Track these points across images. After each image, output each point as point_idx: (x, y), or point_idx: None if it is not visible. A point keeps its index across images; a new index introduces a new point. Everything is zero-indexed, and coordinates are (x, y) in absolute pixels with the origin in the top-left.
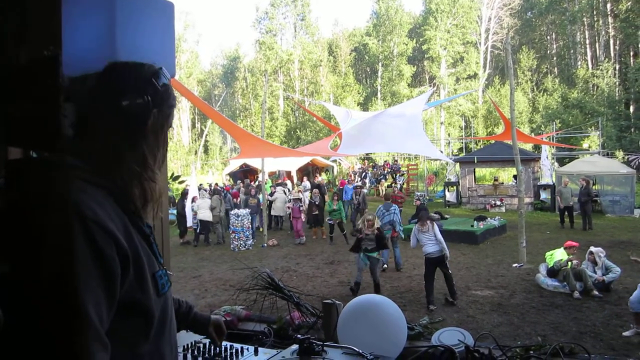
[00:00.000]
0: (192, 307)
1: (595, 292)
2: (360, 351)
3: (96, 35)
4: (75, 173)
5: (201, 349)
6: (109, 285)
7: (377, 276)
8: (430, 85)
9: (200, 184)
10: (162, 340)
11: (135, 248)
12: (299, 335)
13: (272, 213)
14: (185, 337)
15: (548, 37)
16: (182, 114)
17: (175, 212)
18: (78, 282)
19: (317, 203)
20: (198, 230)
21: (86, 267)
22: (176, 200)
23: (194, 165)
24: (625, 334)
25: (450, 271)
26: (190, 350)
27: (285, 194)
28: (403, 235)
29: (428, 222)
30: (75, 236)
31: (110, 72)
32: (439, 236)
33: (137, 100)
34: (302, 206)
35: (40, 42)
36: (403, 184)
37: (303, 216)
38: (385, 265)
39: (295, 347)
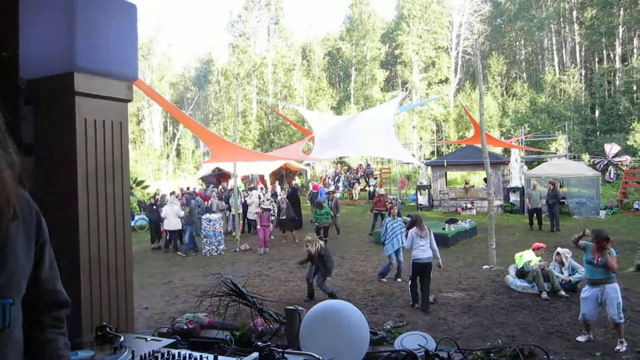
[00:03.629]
0: None
1: (562, 293)
2: (321, 358)
3: (56, 36)
4: None
5: (159, 358)
6: None
7: (327, 289)
8: (403, 90)
9: (173, 191)
10: None
11: None
12: (259, 343)
13: (248, 217)
14: (144, 346)
15: (517, 43)
16: (154, 117)
17: (144, 216)
18: None
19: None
20: (167, 238)
21: None
22: (146, 204)
23: (165, 169)
24: (579, 339)
25: (429, 283)
26: None
27: (260, 198)
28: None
29: (427, 227)
30: None
31: None
32: (434, 244)
33: None
34: (272, 215)
35: None
36: (376, 187)
37: (272, 226)
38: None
39: (255, 355)
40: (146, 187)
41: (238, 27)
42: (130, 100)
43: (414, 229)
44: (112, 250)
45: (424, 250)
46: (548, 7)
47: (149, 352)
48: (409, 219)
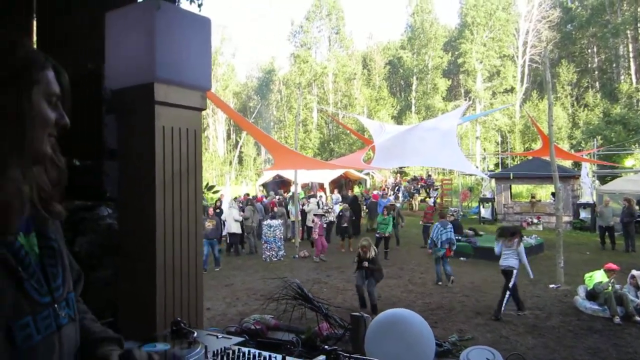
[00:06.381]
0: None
1: (637, 318)
2: None
3: (138, 49)
4: None
5: (230, 355)
6: None
7: (374, 297)
8: (466, 99)
9: (236, 197)
10: None
11: None
12: (326, 347)
13: (307, 224)
14: (215, 343)
15: (589, 51)
16: (218, 126)
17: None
18: None
19: (349, 216)
20: (228, 242)
21: None
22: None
23: (228, 175)
24: None
25: (511, 285)
26: (219, 356)
27: (319, 205)
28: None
29: (516, 240)
30: None
31: None
32: (522, 256)
33: None
34: (324, 223)
35: (86, 56)
36: (437, 198)
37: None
38: (440, 283)
39: (322, 358)
40: (217, 192)
41: (299, 37)
42: (204, 109)
43: (502, 239)
44: (184, 252)
45: (505, 258)
46: (624, 12)
47: (221, 349)
48: (471, 232)
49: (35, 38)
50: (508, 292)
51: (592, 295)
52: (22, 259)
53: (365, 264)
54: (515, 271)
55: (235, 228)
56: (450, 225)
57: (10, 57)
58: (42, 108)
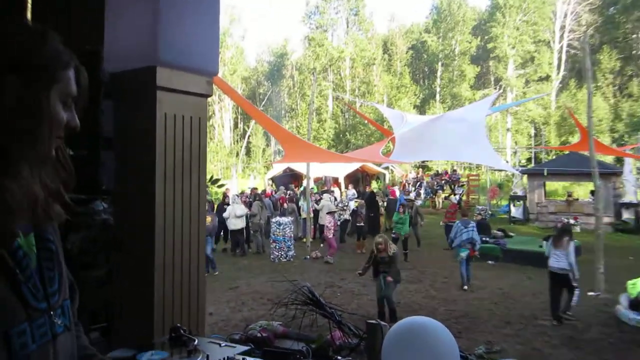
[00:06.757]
0: None
1: None
2: None
3: (139, 30)
4: None
5: None
6: None
7: (393, 302)
8: (496, 88)
9: (242, 192)
10: None
11: None
12: (339, 357)
13: (320, 222)
14: (218, 351)
15: (634, 36)
16: (225, 114)
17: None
18: None
19: (365, 214)
20: (231, 240)
21: None
22: (215, 206)
23: (234, 168)
24: None
25: (575, 288)
26: None
27: (331, 202)
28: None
29: (565, 240)
30: None
31: None
32: (571, 257)
33: None
34: (337, 221)
35: (84, 36)
36: (462, 196)
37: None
38: (465, 287)
39: None
40: (222, 185)
41: (315, 18)
42: (210, 96)
43: (551, 239)
44: (185, 250)
45: (557, 259)
46: None
47: (224, 358)
48: (500, 233)
49: (29, 13)
50: (577, 291)
51: (636, 304)
52: (19, 261)
53: (381, 267)
54: (570, 274)
55: (236, 224)
56: (472, 224)
57: (36, 53)
58: (57, 108)
